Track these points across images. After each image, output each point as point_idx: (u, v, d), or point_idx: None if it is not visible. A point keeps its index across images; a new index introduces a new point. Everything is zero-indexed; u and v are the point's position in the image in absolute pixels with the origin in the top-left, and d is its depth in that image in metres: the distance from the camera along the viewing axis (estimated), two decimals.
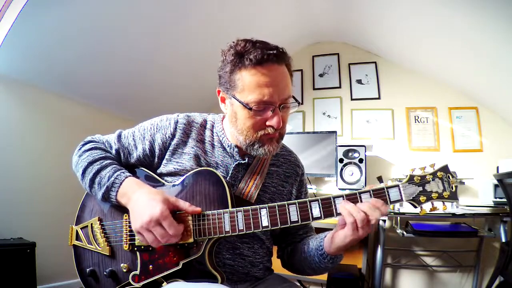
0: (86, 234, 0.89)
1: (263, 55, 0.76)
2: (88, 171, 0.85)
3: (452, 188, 0.76)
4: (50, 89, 2.18)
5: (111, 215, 0.88)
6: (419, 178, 0.77)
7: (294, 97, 0.84)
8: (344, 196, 0.75)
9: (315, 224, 1.64)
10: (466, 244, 2.31)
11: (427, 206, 0.77)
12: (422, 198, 0.75)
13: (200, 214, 0.78)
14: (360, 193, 0.75)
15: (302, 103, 2.93)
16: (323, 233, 0.89)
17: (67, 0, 1.65)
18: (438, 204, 0.76)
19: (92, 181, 0.85)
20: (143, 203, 0.75)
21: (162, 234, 0.73)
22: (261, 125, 0.81)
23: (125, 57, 2.21)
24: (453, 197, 0.76)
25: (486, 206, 2.13)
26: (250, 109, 0.78)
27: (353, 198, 0.75)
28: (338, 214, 0.75)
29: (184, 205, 0.78)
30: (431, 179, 0.76)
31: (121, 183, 0.82)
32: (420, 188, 0.76)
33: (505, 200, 1.87)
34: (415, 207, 0.76)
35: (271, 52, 0.77)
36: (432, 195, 0.76)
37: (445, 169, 0.78)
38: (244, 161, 0.89)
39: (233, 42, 0.82)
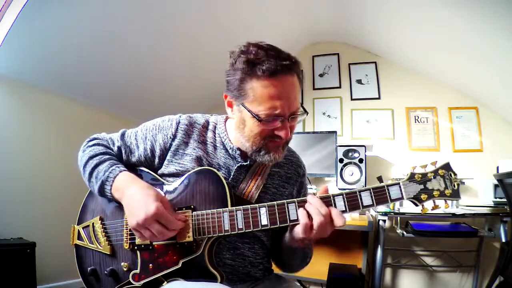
0: (87, 234, 0.89)
1: (277, 66, 0.74)
2: (87, 165, 0.87)
3: (454, 186, 0.75)
4: (51, 89, 2.18)
5: (112, 215, 0.88)
6: (420, 176, 0.76)
7: (303, 107, 0.83)
8: (344, 195, 0.75)
9: None
10: (466, 244, 2.31)
11: (428, 205, 0.75)
12: (423, 196, 0.74)
13: (199, 213, 0.78)
14: (360, 191, 0.74)
15: (302, 103, 2.91)
16: None
17: (67, 0, 1.65)
18: (440, 202, 0.75)
19: (90, 175, 0.86)
20: (138, 199, 0.75)
21: (159, 231, 0.73)
22: (268, 133, 0.81)
23: (125, 56, 2.21)
24: (455, 195, 0.75)
25: (486, 206, 2.13)
26: (260, 120, 0.78)
27: (353, 196, 0.74)
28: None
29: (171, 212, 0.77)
30: (432, 177, 0.75)
31: (115, 177, 0.82)
32: (421, 186, 0.75)
33: (505, 200, 1.87)
34: (416, 205, 0.75)
35: (285, 63, 0.75)
36: (433, 193, 0.74)
37: (447, 166, 0.77)
38: (246, 163, 0.89)
39: (244, 46, 0.79)
